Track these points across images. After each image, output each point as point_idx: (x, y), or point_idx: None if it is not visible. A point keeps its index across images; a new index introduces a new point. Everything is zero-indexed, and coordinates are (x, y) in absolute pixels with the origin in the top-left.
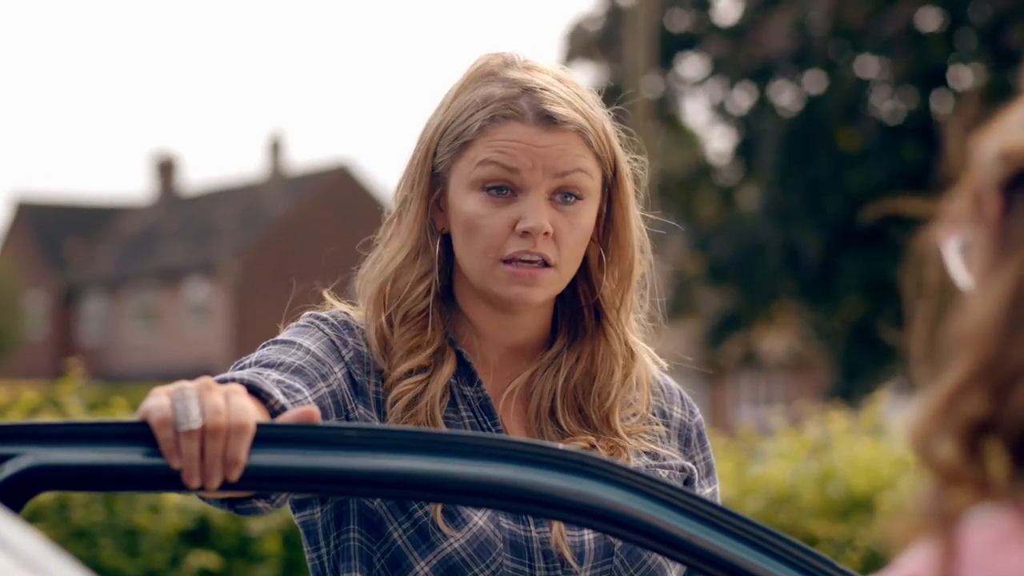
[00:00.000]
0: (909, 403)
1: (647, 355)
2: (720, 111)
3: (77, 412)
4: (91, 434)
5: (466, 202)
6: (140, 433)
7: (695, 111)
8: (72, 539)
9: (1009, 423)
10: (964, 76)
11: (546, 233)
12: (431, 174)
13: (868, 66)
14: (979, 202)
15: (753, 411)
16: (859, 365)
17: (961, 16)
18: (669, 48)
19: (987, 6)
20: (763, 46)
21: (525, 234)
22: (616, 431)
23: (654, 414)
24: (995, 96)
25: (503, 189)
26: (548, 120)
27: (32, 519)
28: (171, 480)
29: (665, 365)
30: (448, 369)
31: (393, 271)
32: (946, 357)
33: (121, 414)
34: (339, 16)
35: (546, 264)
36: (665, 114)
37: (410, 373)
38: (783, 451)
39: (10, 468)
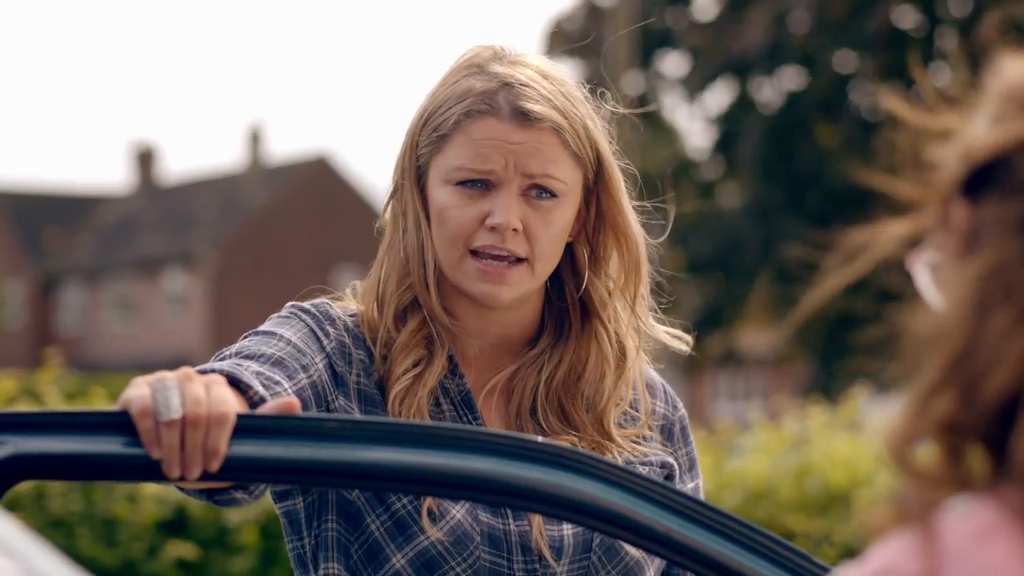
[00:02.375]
0: (887, 400)
1: (641, 353)
2: (699, 107)
3: (55, 401)
4: (71, 423)
5: (440, 194)
6: (120, 423)
7: (675, 106)
8: (50, 528)
9: (978, 420)
10: (943, 73)
11: (515, 230)
12: (416, 164)
13: (847, 62)
14: (945, 207)
15: (731, 406)
16: (838, 361)
17: (940, 13)
18: (649, 45)
19: (966, 3)
20: (742, 41)
21: (494, 229)
22: (610, 434)
23: (635, 408)
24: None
25: (476, 183)
26: (523, 117)
27: (10, 508)
28: (151, 470)
29: (648, 361)
30: (439, 364)
31: (414, 251)
32: (917, 361)
33: (100, 404)
34: (320, 8)
35: (518, 260)
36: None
37: (412, 366)
38: (761, 446)
39: None
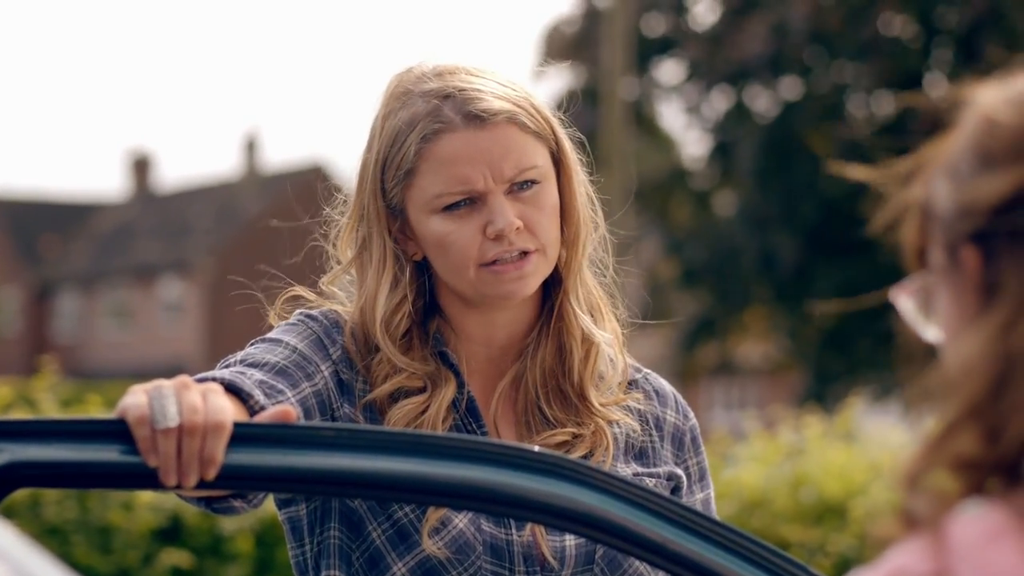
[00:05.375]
0: (883, 409)
1: (605, 330)
2: (696, 116)
3: (51, 409)
4: (68, 431)
5: (430, 226)
6: (117, 431)
7: (671, 115)
8: (45, 536)
9: (1001, 459)
10: (939, 83)
11: (517, 228)
12: (387, 209)
13: (844, 72)
14: (949, 252)
15: (726, 415)
16: (833, 371)
17: (936, 24)
18: (646, 52)
19: (962, 14)
20: (740, 50)
21: (498, 237)
22: (592, 405)
23: (646, 420)
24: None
25: (461, 203)
26: (478, 119)
27: (5, 516)
28: (148, 478)
29: (608, 338)
30: (450, 392)
31: (369, 307)
32: (936, 400)
33: (95, 411)
34: (316, 16)
35: (525, 253)
36: (641, 118)
37: (404, 394)
38: (756, 455)
39: None
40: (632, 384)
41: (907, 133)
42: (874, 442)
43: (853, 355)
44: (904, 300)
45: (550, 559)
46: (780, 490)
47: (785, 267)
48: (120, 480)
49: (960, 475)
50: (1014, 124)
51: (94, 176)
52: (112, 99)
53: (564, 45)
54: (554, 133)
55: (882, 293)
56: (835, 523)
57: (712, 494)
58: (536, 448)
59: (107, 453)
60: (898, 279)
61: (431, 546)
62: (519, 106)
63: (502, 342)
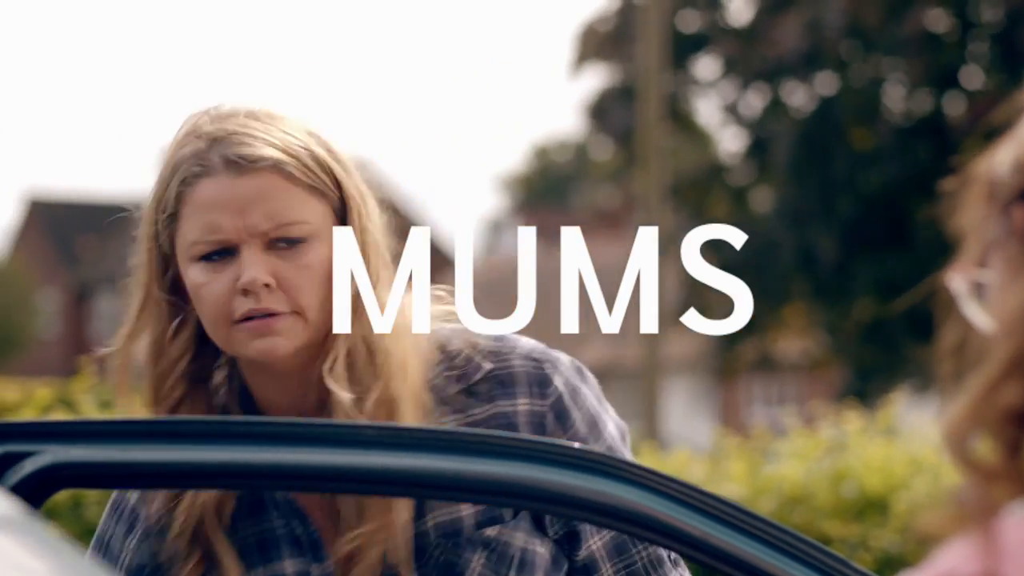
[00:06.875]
0: (924, 404)
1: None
2: (732, 112)
3: (90, 410)
4: (109, 432)
5: (189, 273)
6: (157, 431)
7: (708, 111)
8: (86, 537)
9: None
10: (976, 77)
11: (267, 285)
12: (160, 255)
13: (882, 67)
14: (1002, 213)
15: (766, 411)
16: (873, 366)
17: (973, 18)
18: (681, 49)
19: (998, 8)
20: (776, 46)
21: (246, 292)
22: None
23: (489, 419)
24: (1006, 97)
25: (216, 254)
26: (236, 165)
27: (47, 516)
28: (188, 478)
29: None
30: None
31: (147, 364)
32: (977, 355)
33: (135, 412)
34: (342, 15)
35: (272, 315)
36: (677, 114)
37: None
38: (797, 451)
39: (30, 466)
40: (471, 392)
41: (945, 128)
42: (915, 436)
43: (893, 350)
44: (958, 282)
45: None
46: (821, 485)
47: (824, 262)
48: (160, 480)
49: (1008, 430)
50: None
51: (131, 177)
52: (147, 99)
53: (599, 43)
54: (340, 188)
55: (928, 285)
56: (876, 518)
57: (614, 445)
58: (577, 444)
59: (148, 453)
60: (937, 273)
61: None
62: (293, 156)
63: (313, 407)
